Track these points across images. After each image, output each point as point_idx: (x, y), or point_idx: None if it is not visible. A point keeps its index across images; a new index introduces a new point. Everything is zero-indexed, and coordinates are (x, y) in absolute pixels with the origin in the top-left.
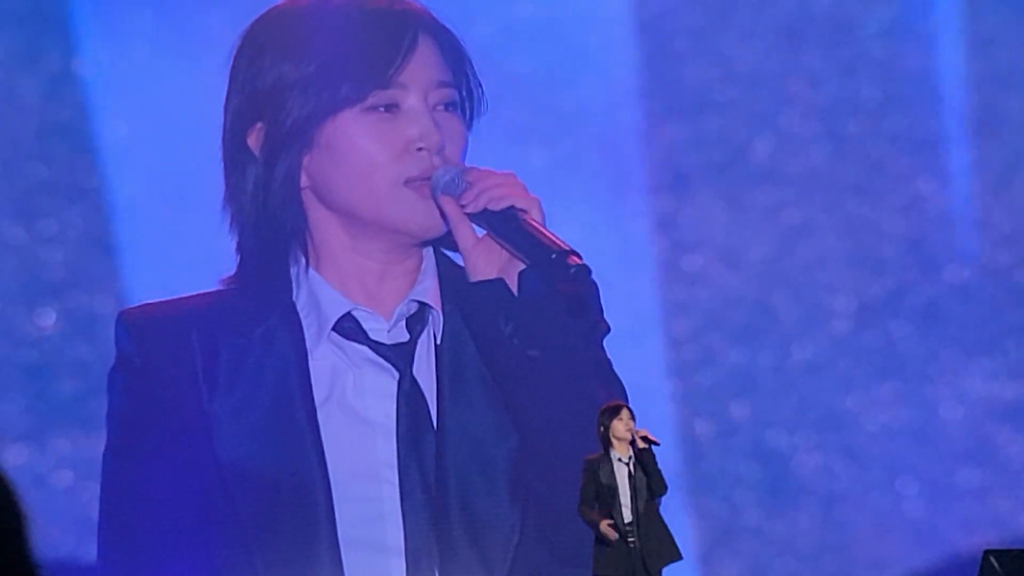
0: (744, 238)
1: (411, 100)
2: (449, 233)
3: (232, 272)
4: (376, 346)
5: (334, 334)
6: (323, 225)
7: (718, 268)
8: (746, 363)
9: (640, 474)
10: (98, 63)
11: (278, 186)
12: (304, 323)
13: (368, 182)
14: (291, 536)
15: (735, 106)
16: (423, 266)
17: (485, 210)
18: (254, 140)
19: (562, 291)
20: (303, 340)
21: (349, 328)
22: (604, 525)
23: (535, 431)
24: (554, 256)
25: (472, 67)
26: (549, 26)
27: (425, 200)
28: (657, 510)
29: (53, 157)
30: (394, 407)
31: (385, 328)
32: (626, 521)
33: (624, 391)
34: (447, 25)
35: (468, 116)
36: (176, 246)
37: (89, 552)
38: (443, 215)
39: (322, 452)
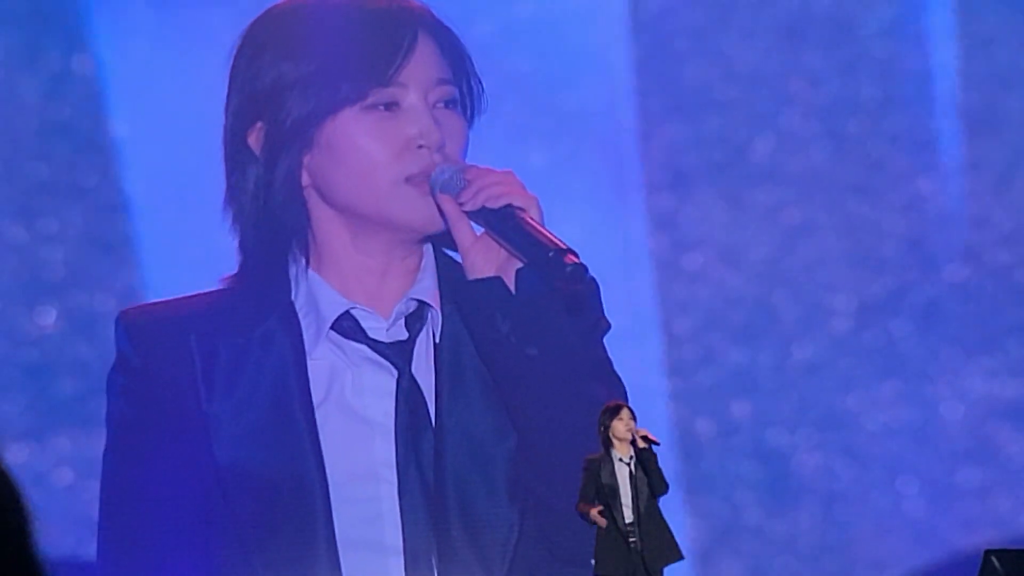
0: (744, 237)
1: (411, 98)
2: (449, 231)
3: (234, 272)
4: (375, 344)
5: (333, 333)
6: (324, 224)
7: (718, 267)
8: (746, 362)
9: (641, 474)
10: (99, 62)
11: (279, 185)
12: (303, 323)
13: (369, 180)
14: (289, 536)
15: (735, 105)
16: (423, 264)
17: (483, 208)
18: (254, 140)
19: (560, 289)
20: (301, 340)
21: (348, 327)
22: (594, 513)
23: (534, 430)
24: (551, 255)
25: (472, 65)
26: (549, 25)
27: (426, 197)
28: (658, 510)
29: (53, 156)
30: (393, 406)
31: (384, 327)
32: (627, 521)
33: (624, 390)
34: (447, 23)
35: (469, 114)
36: (177, 245)
37: (89, 551)
38: (441, 213)
39: (320, 452)
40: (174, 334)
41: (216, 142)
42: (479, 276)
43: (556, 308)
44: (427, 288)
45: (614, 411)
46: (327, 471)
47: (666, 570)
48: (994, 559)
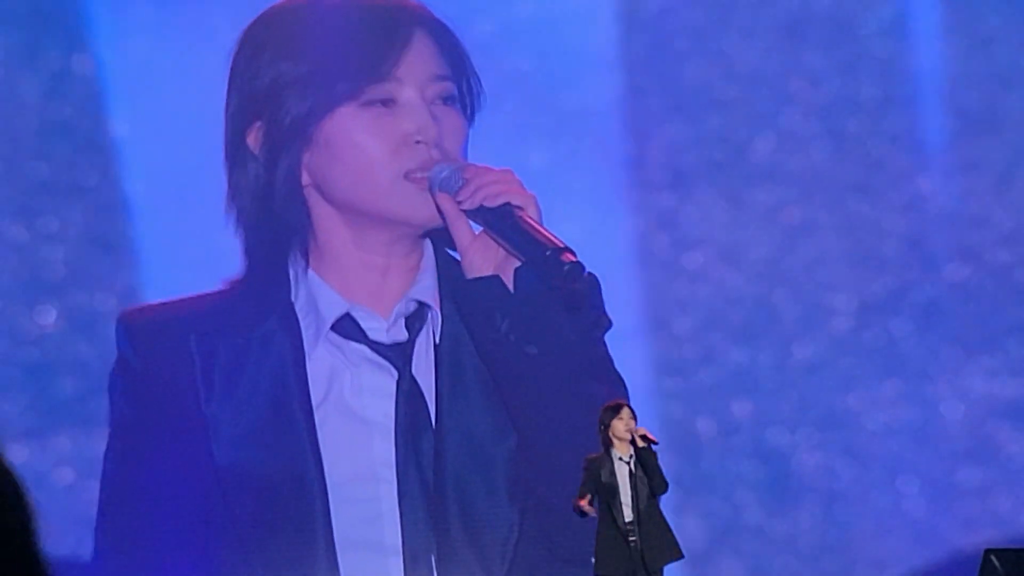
0: (744, 237)
1: (408, 94)
2: (447, 229)
3: (238, 273)
4: (375, 345)
5: (332, 334)
6: (325, 222)
7: (718, 267)
8: (747, 362)
9: (641, 473)
10: (99, 61)
11: (279, 185)
12: (303, 324)
13: (368, 177)
14: (288, 537)
15: (735, 105)
16: (423, 264)
17: (481, 207)
18: (253, 139)
19: (558, 288)
20: (301, 341)
21: (348, 328)
22: (583, 503)
23: (533, 429)
24: (548, 253)
25: (470, 62)
26: (549, 25)
27: (424, 192)
28: (658, 509)
29: (54, 155)
30: (392, 406)
31: (384, 327)
32: (627, 520)
33: (625, 388)
34: (445, 22)
35: (468, 110)
36: (177, 245)
37: (90, 551)
38: (440, 212)
39: (319, 453)
40: (174, 335)
41: (216, 142)
42: (477, 275)
43: (555, 306)
44: (427, 288)
45: (614, 410)
46: (327, 472)
47: (666, 569)
48: (994, 558)
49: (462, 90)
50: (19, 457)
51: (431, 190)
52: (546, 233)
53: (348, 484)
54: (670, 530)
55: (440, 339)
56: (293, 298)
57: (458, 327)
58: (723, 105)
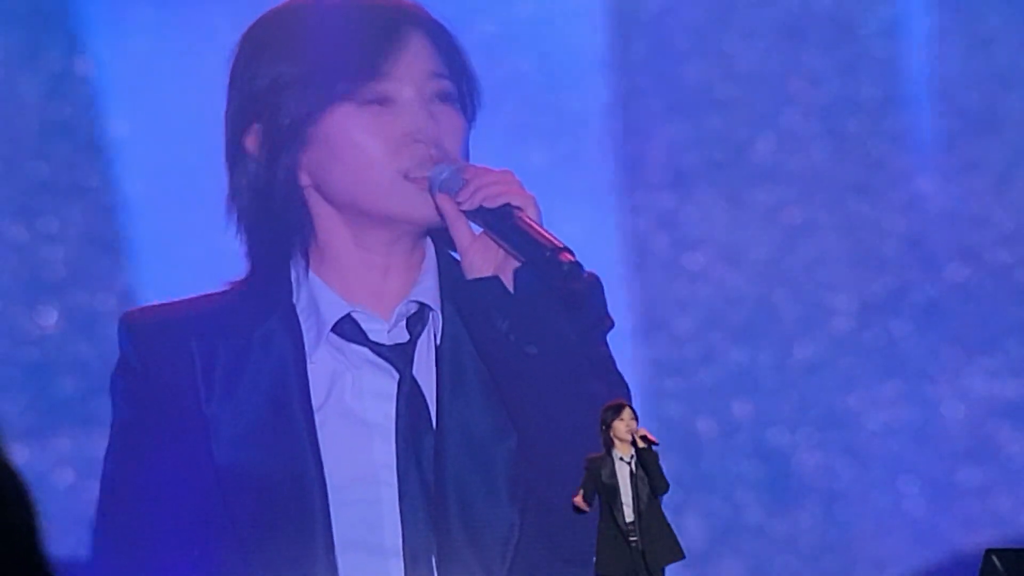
0: (745, 237)
1: (405, 93)
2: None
3: (240, 274)
4: (376, 347)
5: (333, 336)
6: (326, 223)
7: (719, 267)
8: (747, 362)
9: (641, 473)
10: (99, 61)
11: (279, 186)
12: (304, 326)
13: (367, 176)
14: (287, 538)
15: (736, 105)
16: (424, 264)
17: (481, 207)
18: (252, 141)
19: (558, 288)
20: (302, 343)
21: (348, 330)
22: (578, 499)
23: (534, 428)
24: (547, 253)
25: (467, 60)
26: (549, 25)
27: (424, 191)
28: (659, 509)
29: (54, 155)
30: (393, 408)
31: (385, 329)
32: (628, 520)
33: (626, 387)
34: (441, 21)
35: (467, 109)
36: (178, 245)
37: (90, 551)
38: (440, 213)
39: (319, 454)
40: (175, 336)
41: (216, 142)
42: (477, 275)
43: (555, 307)
44: (428, 289)
45: (616, 410)
46: (327, 473)
47: (667, 569)
48: (994, 558)
49: (461, 89)
50: (19, 457)
51: (431, 191)
52: (545, 234)
53: (349, 486)
54: (671, 530)
55: (441, 340)
56: (294, 299)
57: (459, 328)
58: (723, 105)
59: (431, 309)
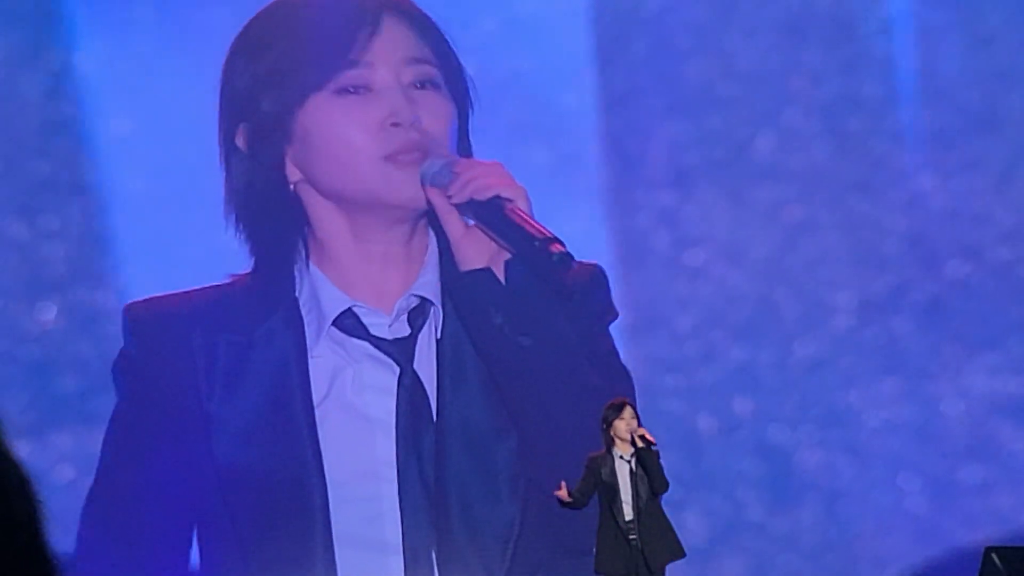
0: (746, 235)
1: (382, 79)
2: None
3: (245, 268)
4: (377, 341)
5: (334, 330)
6: (322, 215)
7: (720, 265)
8: (748, 360)
9: (641, 472)
10: (99, 59)
11: (269, 182)
12: (306, 320)
13: (350, 164)
14: (286, 534)
15: (736, 103)
16: (426, 258)
17: (471, 200)
18: (241, 140)
19: (548, 278)
20: (304, 338)
21: (349, 324)
22: (560, 492)
23: (533, 422)
24: (536, 244)
25: (450, 45)
26: (550, 23)
27: (408, 173)
28: (660, 508)
29: (54, 153)
30: (394, 403)
31: (386, 323)
32: (627, 519)
33: (629, 379)
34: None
35: (457, 95)
36: (178, 242)
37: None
38: (432, 206)
39: (319, 450)
40: (177, 329)
41: (216, 140)
42: (470, 268)
43: (548, 298)
44: (429, 283)
45: (618, 409)
46: (328, 469)
47: (668, 567)
48: (995, 556)
49: (448, 74)
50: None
51: (423, 184)
52: (535, 224)
53: (349, 482)
54: (672, 529)
55: (442, 334)
56: (297, 293)
57: (459, 322)
58: (724, 103)
59: (432, 303)
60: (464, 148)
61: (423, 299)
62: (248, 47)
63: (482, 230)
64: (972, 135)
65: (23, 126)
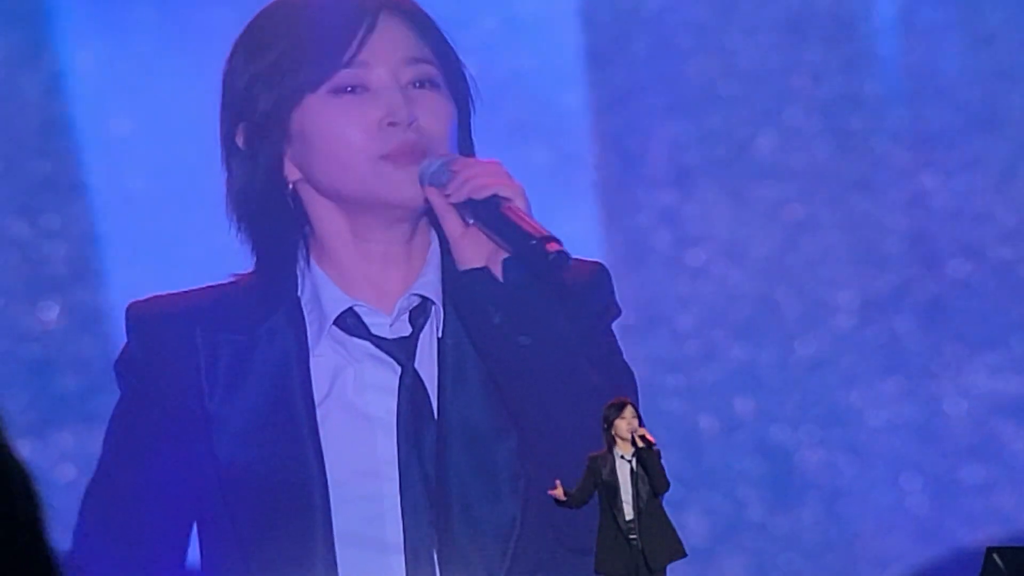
0: (747, 233)
1: (378, 78)
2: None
3: (248, 267)
4: (378, 341)
5: (336, 330)
6: (322, 214)
7: (721, 263)
8: (749, 359)
9: (642, 472)
10: (99, 59)
11: (268, 182)
12: (307, 319)
13: (347, 163)
14: (287, 533)
15: (738, 102)
16: (427, 257)
17: (469, 199)
18: (241, 140)
19: (545, 276)
20: (305, 337)
21: (351, 323)
22: (554, 492)
23: (532, 420)
24: (533, 242)
25: (449, 44)
26: (551, 22)
27: (404, 171)
28: (660, 507)
29: (55, 153)
30: (395, 402)
31: (387, 322)
32: (627, 519)
33: (631, 377)
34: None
35: (458, 94)
36: (179, 242)
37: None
38: (430, 206)
39: (320, 449)
40: (179, 329)
41: (217, 138)
42: (468, 267)
43: (546, 296)
44: (430, 282)
45: (619, 408)
46: (329, 468)
47: (669, 567)
48: (996, 556)
49: (448, 74)
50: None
51: (421, 183)
52: (532, 223)
53: (350, 481)
54: (672, 528)
55: (443, 334)
56: (299, 292)
57: (459, 321)
58: (725, 102)
59: (433, 302)
60: (466, 147)
61: (424, 298)
62: (248, 46)
63: (480, 229)
64: (972, 134)
65: (23, 126)
